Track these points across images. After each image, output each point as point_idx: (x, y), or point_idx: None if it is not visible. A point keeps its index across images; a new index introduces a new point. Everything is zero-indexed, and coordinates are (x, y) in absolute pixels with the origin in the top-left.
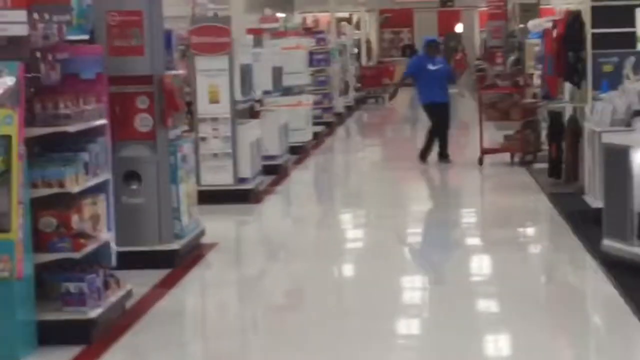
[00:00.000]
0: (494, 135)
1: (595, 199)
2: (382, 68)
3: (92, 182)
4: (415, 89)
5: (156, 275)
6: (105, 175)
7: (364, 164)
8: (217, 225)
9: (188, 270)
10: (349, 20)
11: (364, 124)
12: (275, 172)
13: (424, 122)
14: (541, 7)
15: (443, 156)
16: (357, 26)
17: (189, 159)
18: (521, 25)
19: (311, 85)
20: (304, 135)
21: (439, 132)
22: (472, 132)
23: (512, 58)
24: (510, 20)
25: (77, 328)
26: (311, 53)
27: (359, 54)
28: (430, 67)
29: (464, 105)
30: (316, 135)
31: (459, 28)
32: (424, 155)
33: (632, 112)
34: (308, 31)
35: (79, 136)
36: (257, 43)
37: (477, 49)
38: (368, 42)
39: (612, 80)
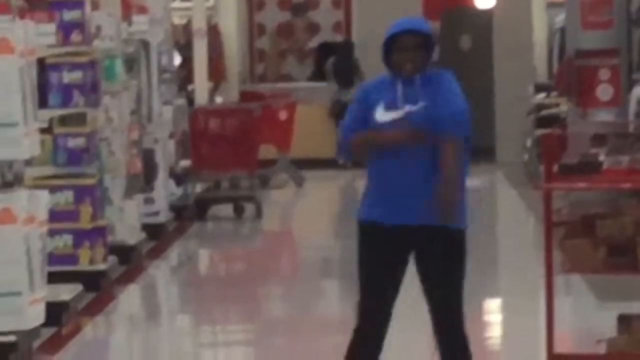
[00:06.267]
0: (587, 313)
1: None
2: (256, 112)
3: None
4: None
5: None
6: None
7: None
8: None
9: None
10: None
11: (201, 279)
12: None
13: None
14: None
15: None
16: None
17: None
18: None
19: (46, 163)
20: (19, 316)
21: (379, 322)
22: (524, 301)
23: None
24: None
25: None
26: (45, 66)
27: (187, 67)
28: (392, 112)
29: (507, 225)
30: (57, 314)
31: None
32: None
33: None
34: (36, 0)
35: None
36: None
37: (538, 57)
38: (215, 33)
39: None
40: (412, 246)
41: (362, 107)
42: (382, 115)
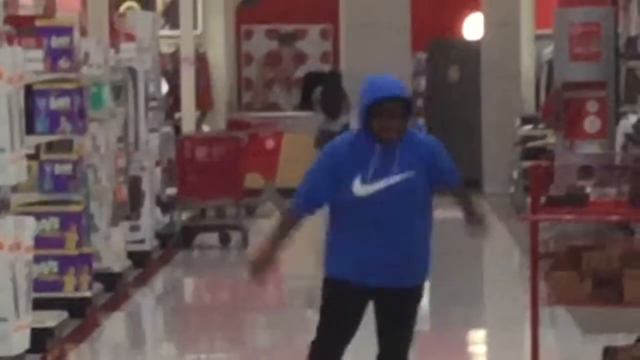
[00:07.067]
0: (572, 345)
1: None
2: (242, 141)
3: None
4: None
5: None
6: None
7: None
8: None
9: None
10: None
11: (186, 307)
12: None
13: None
14: None
15: None
16: (168, 17)
17: None
18: None
19: (32, 189)
20: (4, 342)
21: None
22: (509, 332)
23: (634, 119)
24: (627, 10)
25: None
26: (33, 93)
27: (174, 95)
28: (371, 184)
29: (492, 254)
30: (42, 340)
31: (472, 29)
32: None
33: None
34: (24, 26)
35: None
36: None
37: (525, 89)
38: (203, 61)
39: None
40: (380, 301)
41: (329, 175)
42: (360, 188)
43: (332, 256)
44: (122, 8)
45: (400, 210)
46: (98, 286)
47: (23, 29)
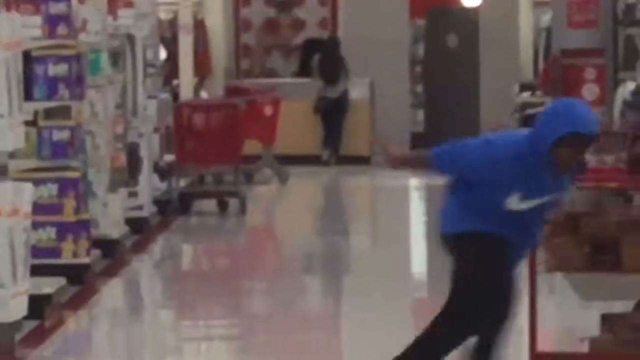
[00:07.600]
0: (570, 311)
1: None
2: (240, 107)
3: None
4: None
5: None
6: None
7: None
8: None
9: None
10: None
11: (184, 274)
12: None
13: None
14: None
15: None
16: None
17: None
18: None
19: (30, 155)
20: (2, 309)
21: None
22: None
23: (632, 86)
24: None
25: None
26: (31, 59)
27: (173, 62)
28: (528, 201)
29: None
30: (40, 307)
31: None
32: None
33: None
34: None
35: None
36: None
37: (523, 56)
38: (201, 28)
39: None
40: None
41: (487, 168)
42: (515, 204)
43: (473, 217)
44: None
45: (538, 214)
46: (96, 252)
47: None
